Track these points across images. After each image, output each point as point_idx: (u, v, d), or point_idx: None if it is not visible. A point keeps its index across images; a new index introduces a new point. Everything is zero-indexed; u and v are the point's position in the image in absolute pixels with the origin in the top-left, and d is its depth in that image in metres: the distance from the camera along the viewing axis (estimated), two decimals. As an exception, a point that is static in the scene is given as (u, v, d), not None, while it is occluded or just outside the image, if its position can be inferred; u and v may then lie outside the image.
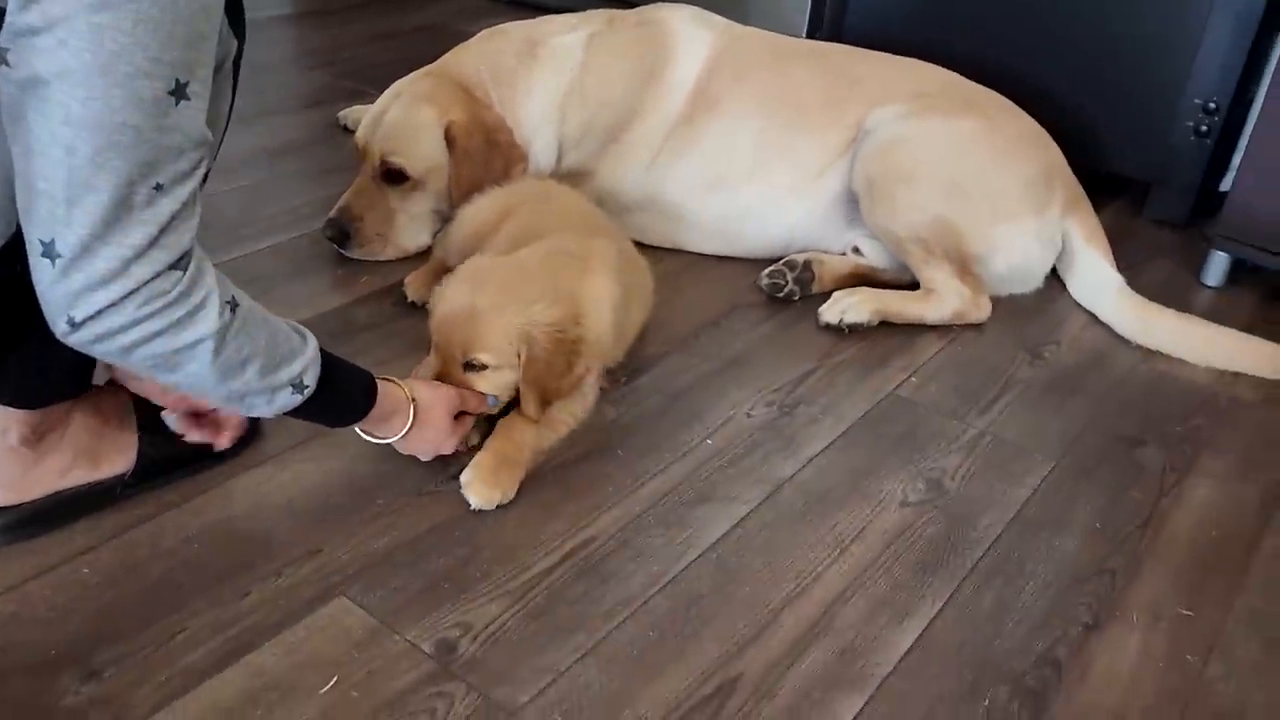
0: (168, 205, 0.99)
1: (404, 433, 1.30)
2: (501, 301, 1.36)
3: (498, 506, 1.35)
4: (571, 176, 2.00)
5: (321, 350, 1.16)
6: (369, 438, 1.31)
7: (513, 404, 1.43)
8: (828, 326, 1.80)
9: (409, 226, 1.91)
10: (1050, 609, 1.26)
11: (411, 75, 1.97)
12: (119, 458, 1.30)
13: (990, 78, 2.05)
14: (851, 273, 1.92)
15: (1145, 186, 2.35)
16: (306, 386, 1.14)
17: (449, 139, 1.87)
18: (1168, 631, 1.24)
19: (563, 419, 1.47)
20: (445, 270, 1.76)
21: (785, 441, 1.52)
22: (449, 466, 1.40)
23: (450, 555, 1.27)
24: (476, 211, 1.71)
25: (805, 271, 1.89)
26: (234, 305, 1.06)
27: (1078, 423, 1.62)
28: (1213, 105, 2.17)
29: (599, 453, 1.47)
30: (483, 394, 1.39)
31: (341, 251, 1.89)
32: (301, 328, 1.16)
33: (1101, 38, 2.26)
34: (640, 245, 1.92)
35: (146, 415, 1.32)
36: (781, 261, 1.90)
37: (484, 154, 1.88)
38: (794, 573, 1.28)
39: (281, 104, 2.59)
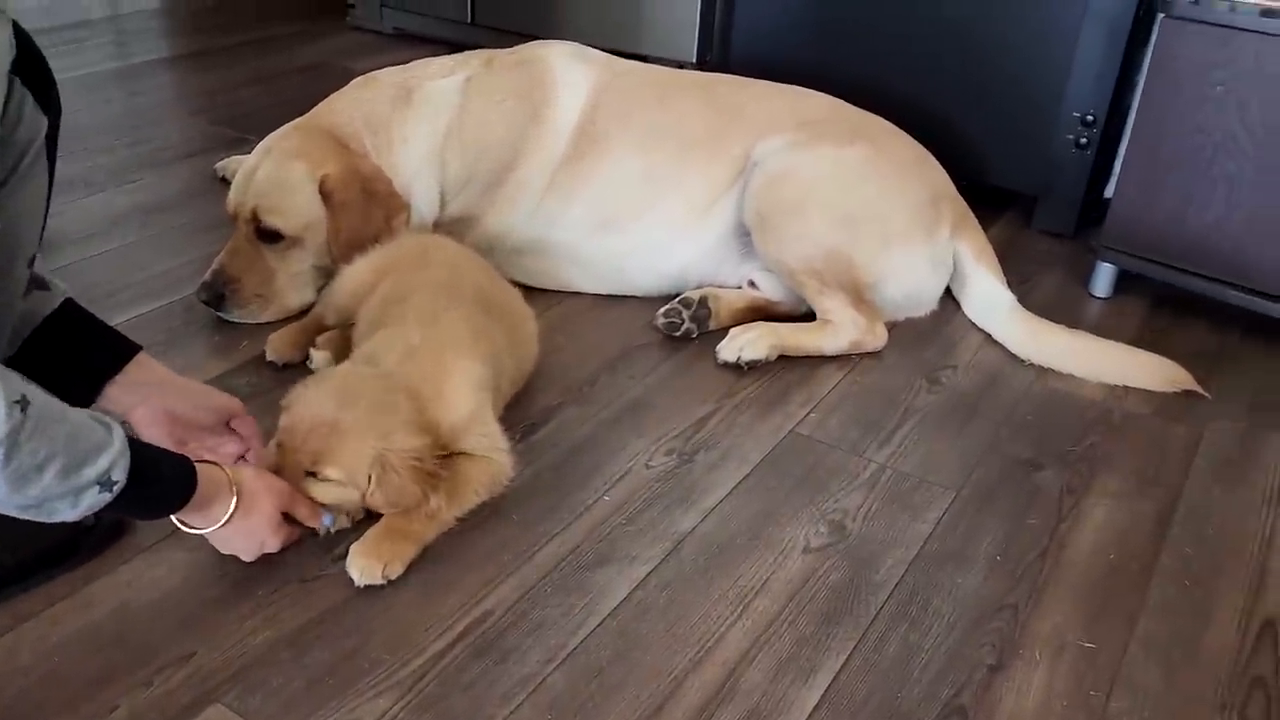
0: None
1: (224, 520, 1.20)
2: (365, 424, 1.28)
3: (388, 583, 1.29)
4: (458, 223, 1.94)
5: (130, 439, 1.07)
6: (186, 529, 1.21)
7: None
8: (726, 364, 1.78)
9: (290, 285, 1.84)
10: (955, 651, 1.24)
11: (282, 129, 1.90)
12: (-33, 568, 1.21)
13: (873, 99, 2.06)
14: (748, 306, 1.91)
15: (1032, 199, 2.39)
16: (115, 482, 1.04)
17: (324, 193, 1.80)
18: (1070, 666, 1.24)
19: (469, 491, 1.39)
20: (319, 330, 1.70)
21: (686, 492, 1.49)
22: (334, 548, 1.33)
23: (336, 646, 1.20)
24: (354, 273, 1.65)
25: (701, 308, 1.86)
26: (24, 404, 0.95)
27: (976, 449, 1.62)
28: (1090, 117, 2.22)
29: (495, 517, 1.41)
30: (317, 507, 1.31)
31: (219, 315, 1.81)
32: (105, 418, 1.06)
33: (979, 56, 2.29)
34: (531, 289, 1.88)
35: (-4, 518, 1.23)
36: (677, 299, 1.87)
37: (362, 206, 1.82)
38: (697, 635, 1.25)
39: (157, 156, 2.48)
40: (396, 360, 1.39)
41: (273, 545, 1.29)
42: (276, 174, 1.80)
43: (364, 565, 1.28)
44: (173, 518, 1.18)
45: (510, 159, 1.94)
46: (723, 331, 1.84)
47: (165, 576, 1.28)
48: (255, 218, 1.79)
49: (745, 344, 1.78)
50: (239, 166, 2.33)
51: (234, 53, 3.29)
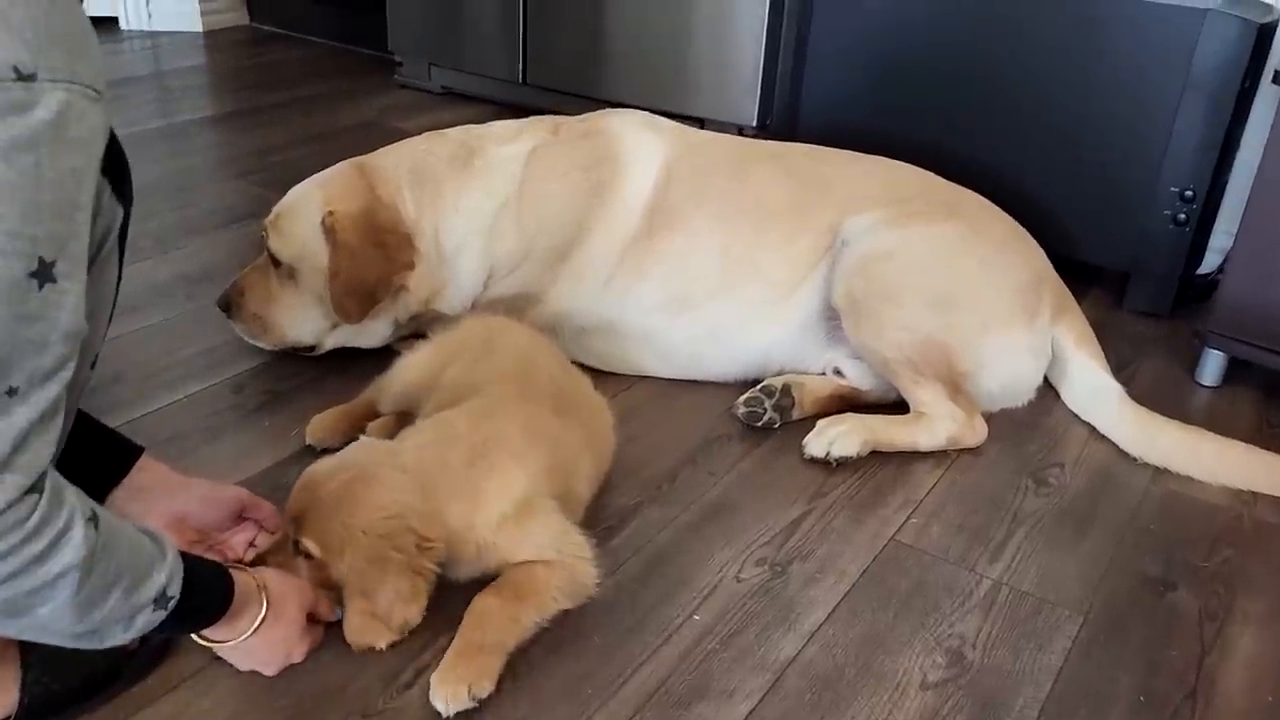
0: (23, 414, 0.81)
1: (251, 630, 1.11)
2: (342, 493, 1.19)
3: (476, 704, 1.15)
4: (514, 300, 1.81)
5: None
6: (204, 642, 1.11)
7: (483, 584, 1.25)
8: (813, 459, 1.64)
9: (287, 316, 1.78)
10: (1108, 816, 1.09)
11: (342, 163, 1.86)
12: (-1, 698, 1.08)
13: (956, 169, 1.95)
14: (833, 395, 1.77)
15: (1122, 275, 2.25)
16: (171, 598, 0.96)
17: (326, 229, 1.72)
18: (1244, 837, 1.08)
19: (549, 596, 1.26)
20: (367, 416, 1.57)
21: (783, 611, 1.34)
22: (399, 676, 1.20)
23: (406, 799, 1.06)
24: (414, 361, 1.53)
25: (784, 397, 1.73)
26: (95, 520, 0.88)
27: (1098, 564, 1.47)
28: (1189, 193, 2.09)
29: (573, 640, 1.27)
30: (333, 601, 1.22)
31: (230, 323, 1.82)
32: (151, 528, 0.98)
33: (1068, 126, 2.18)
34: (599, 373, 1.76)
35: (31, 644, 1.10)
36: (758, 387, 1.74)
37: (364, 253, 1.72)
38: (812, 792, 1.10)
39: (203, 221, 2.39)
40: (425, 442, 1.28)
41: (298, 655, 1.19)
42: (294, 199, 1.79)
43: (448, 693, 1.14)
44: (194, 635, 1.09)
45: (574, 235, 1.82)
46: (805, 422, 1.71)
47: (214, 709, 1.14)
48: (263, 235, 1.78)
49: (835, 438, 1.64)
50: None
51: (278, 111, 3.22)
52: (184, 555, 1.01)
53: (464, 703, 1.14)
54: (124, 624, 0.94)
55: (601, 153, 1.86)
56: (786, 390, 1.73)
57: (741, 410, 1.72)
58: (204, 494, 1.30)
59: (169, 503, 1.26)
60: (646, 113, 1.97)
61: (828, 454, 1.63)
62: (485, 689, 1.16)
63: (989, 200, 1.88)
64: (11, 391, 0.80)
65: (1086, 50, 2.11)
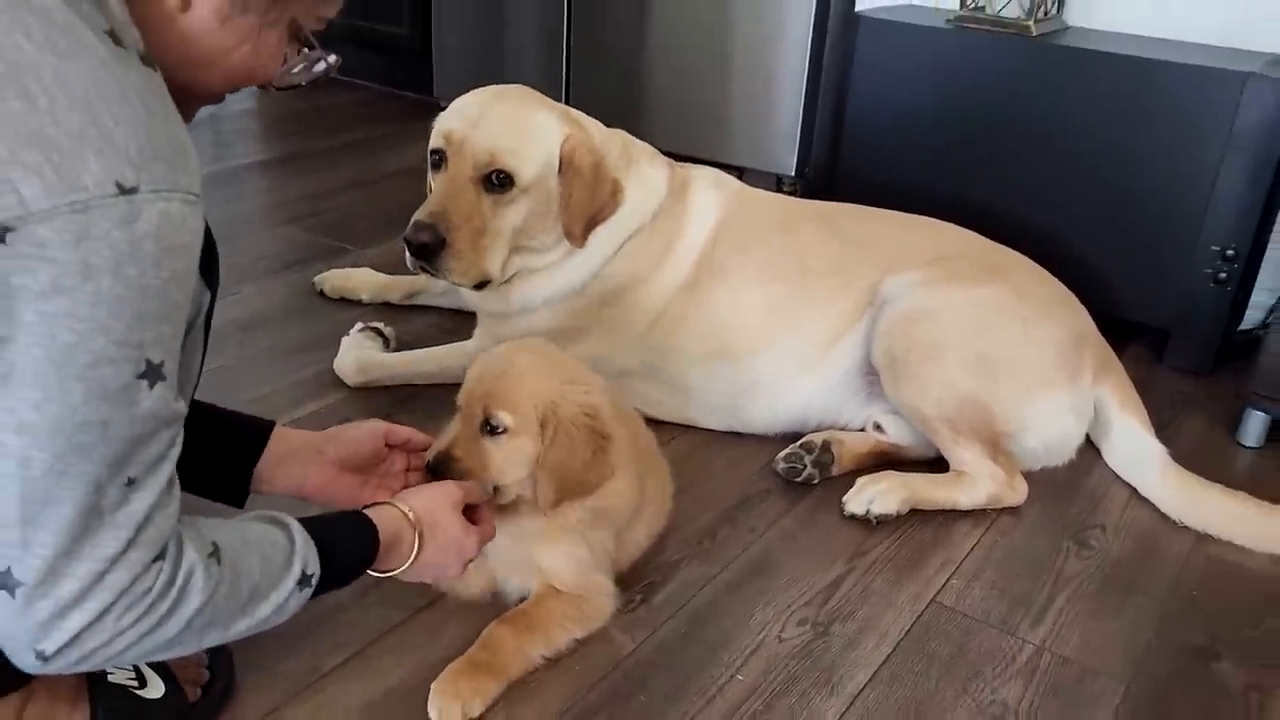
0: (143, 499, 0.88)
1: (414, 554, 1.17)
2: (539, 369, 1.30)
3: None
4: (559, 334, 1.81)
5: (303, 521, 1.06)
6: (379, 574, 1.18)
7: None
8: (853, 517, 1.66)
9: (495, 244, 1.71)
10: None
11: (500, 87, 1.79)
12: (71, 739, 1.12)
13: (995, 224, 1.98)
14: (873, 451, 1.79)
15: (1162, 333, 2.25)
16: (312, 575, 1.04)
17: (564, 154, 1.71)
18: None
19: (560, 626, 1.33)
20: None
21: (825, 673, 1.36)
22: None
23: None
24: None
25: (824, 453, 1.75)
26: (217, 554, 0.94)
27: (1142, 631, 1.47)
28: (1230, 252, 2.09)
29: (619, 699, 1.29)
30: (477, 483, 1.29)
31: (426, 270, 1.70)
32: (275, 516, 1.05)
33: (1108, 184, 2.19)
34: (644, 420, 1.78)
35: (99, 683, 1.13)
36: (798, 443, 1.76)
37: (592, 181, 1.73)
38: None
39: (252, 267, 2.44)
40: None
41: (472, 550, 1.24)
42: (521, 114, 1.72)
43: (444, 705, 1.21)
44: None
45: (631, 281, 1.84)
46: (845, 478, 1.72)
47: (270, 762, 1.18)
48: (491, 156, 1.68)
49: (875, 496, 1.66)
50: (340, 279, 2.31)
51: (328, 156, 3.30)
52: (319, 521, 1.08)
53: (453, 718, 1.20)
54: (275, 614, 1.01)
55: (678, 210, 1.87)
56: (826, 446, 1.75)
57: (781, 466, 1.74)
58: (347, 438, 1.36)
59: (319, 459, 1.32)
60: (719, 171, 1.98)
61: (867, 512, 1.65)
62: (476, 709, 1.22)
63: (1032, 260, 1.89)
64: (130, 482, 0.86)
65: (1130, 110, 2.13)
